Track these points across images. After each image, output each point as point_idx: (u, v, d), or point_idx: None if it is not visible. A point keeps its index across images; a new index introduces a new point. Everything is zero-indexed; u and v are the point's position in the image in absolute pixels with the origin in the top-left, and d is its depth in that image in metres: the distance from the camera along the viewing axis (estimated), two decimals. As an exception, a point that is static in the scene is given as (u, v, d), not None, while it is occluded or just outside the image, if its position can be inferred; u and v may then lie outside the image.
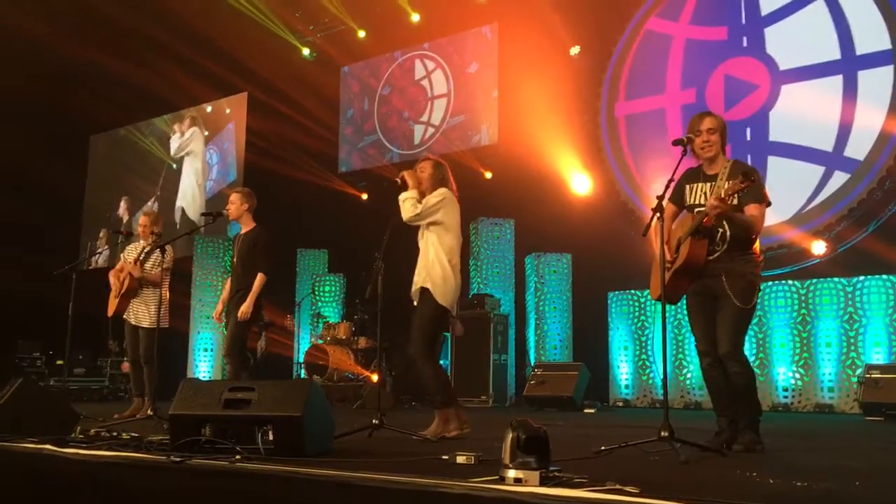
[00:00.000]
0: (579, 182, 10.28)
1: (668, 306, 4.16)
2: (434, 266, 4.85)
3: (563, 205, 10.09)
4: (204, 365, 11.53)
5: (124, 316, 7.11)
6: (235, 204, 6.46)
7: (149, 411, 6.36)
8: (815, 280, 8.23)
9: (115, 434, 4.33)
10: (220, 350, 11.19)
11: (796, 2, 9.07)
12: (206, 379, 10.93)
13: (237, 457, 3.29)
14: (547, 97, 10.17)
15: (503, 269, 10.27)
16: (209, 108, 14.45)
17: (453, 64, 11.89)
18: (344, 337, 9.93)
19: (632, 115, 10.22)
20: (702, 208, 4.07)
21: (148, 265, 7.06)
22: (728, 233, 4.06)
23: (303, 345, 11.20)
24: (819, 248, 8.61)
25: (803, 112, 8.80)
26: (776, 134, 9.03)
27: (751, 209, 4.06)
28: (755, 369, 7.82)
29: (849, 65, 8.65)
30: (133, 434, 4.27)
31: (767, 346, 8.34)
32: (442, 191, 4.94)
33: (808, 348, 8.13)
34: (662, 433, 3.69)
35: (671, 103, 9.83)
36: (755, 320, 8.21)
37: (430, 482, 2.66)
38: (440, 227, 4.90)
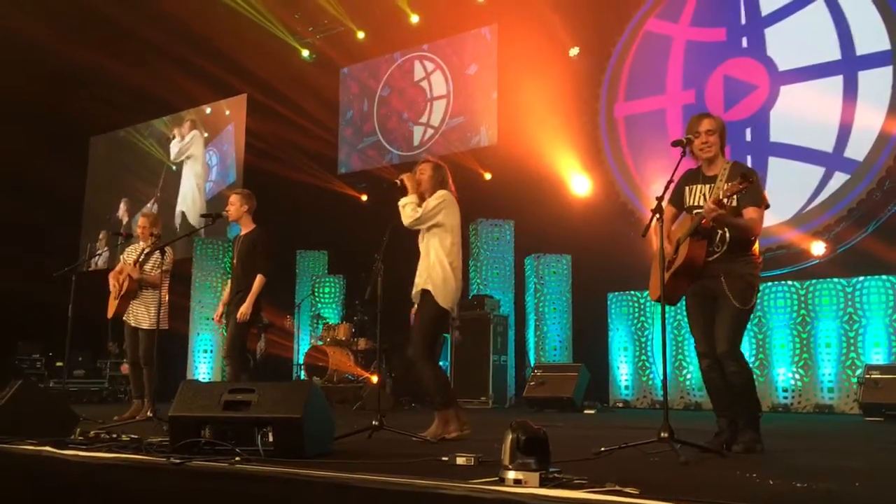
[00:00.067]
0: (579, 183, 10.28)
1: (667, 307, 4.16)
2: (435, 268, 4.86)
3: (563, 206, 10.10)
4: (203, 366, 11.53)
5: (124, 318, 7.11)
6: (235, 205, 6.46)
7: (148, 413, 6.36)
8: (814, 280, 8.23)
9: (114, 436, 4.32)
10: (219, 352, 11.19)
11: (796, 2, 9.08)
12: (206, 380, 10.93)
13: (237, 458, 3.29)
14: (546, 98, 10.17)
15: (503, 270, 10.28)
16: (208, 110, 14.46)
17: (452, 65, 11.90)
18: (344, 338, 9.93)
19: (631, 115, 10.22)
20: (701, 210, 4.07)
21: (147, 267, 7.06)
22: (728, 234, 4.07)
23: (302, 346, 11.20)
24: (818, 248, 8.61)
25: (803, 113, 8.80)
26: (776, 135, 9.03)
27: (749, 212, 4.06)
28: (755, 370, 7.87)
29: (849, 65, 8.65)
30: (133, 436, 4.26)
31: (767, 346, 8.34)
32: (441, 193, 4.95)
33: (808, 349, 8.14)
34: (662, 434, 3.68)
35: (672, 104, 9.83)
36: (755, 321, 8.24)
37: (430, 484, 2.66)
38: (441, 228, 4.91)
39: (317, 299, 11.47)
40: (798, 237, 8.71)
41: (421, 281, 4.91)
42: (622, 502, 2.41)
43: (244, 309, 6.16)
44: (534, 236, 10.09)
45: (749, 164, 8.80)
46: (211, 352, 11.54)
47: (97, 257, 13.46)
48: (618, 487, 2.53)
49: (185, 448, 3.55)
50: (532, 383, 8.68)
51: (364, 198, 12.40)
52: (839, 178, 8.58)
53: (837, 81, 8.70)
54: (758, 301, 4.23)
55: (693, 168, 4.36)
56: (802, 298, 8.24)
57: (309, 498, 2.92)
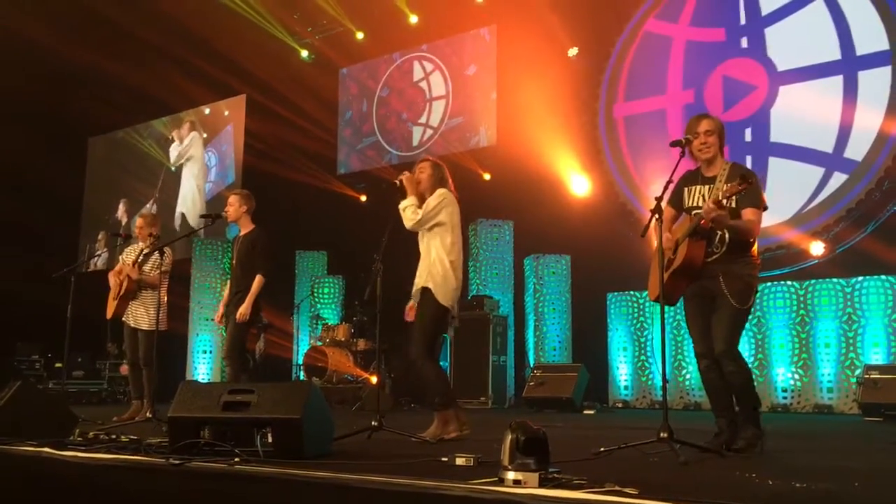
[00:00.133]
0: (578, 183, 10.29)
1: (667, 307, 4.16)
2: (435, 265, 4.86)
3: (562, 206, 10.10)
4: (203, 367, 11.53)
5: (123, 318, 7.11)
6: (234, 206, 6.46)
7: (148, 414, 6.36)
8: (813, 281, 8.24)
9: (113, 437, 4.32)
10: (219, 352, 11.19)
11: (795, 2, 9.08)
12: (205, 381, 10.93)
13: (236, 459, 3.29)
14: (545, 98, 10.18)
15: (502, 270, 10.28)
16: (207, 111, 14.46)
17: (452, 65, 11.90)
18: (343, 339, 9.92)
19: (631, 115, 10.23)
20: (700, 210, 4.07)
21: (146, 268, 7.06)
22: (727, 235, 4.07)
23: (302, 347, 11.20)
24: (818, 248, 8.61)
25: (803, 113, 8.80)
26: (776, 135, 9.03)
27: (747, 213, 4.07)
28: (754, 370, 7.87)
29: (849, 65, 8.65)
30: (132, 437, 4.26)
31: (766, 346, 8.34)
32: (441, 192, 4.96)
33: (807, 349, 8.14)
34: (662, 434, 3.69)
35: (672, 104, 9.83)
36: (754, 321, 8.24)
37: (430, 484, 2.66)
38: (442, 227, 4.93)
39: (316, 300, 11.47)
40: (797, 237, 8.71)
41: (421, 279, 4.91)
42: (621, 502, 2.41)
43: (243, 309, 6.15)
44: (533, 236, 10.09)
45: (749, 164, 8.82)
46: (210, 352, 11.53)
47: (96, 258, 13.46)
48: (617, 488, 2.53)
49: (185, 449, 3.55)
50: (531, 383, 8.68)
51: (363, 198, 12.40)
52: (838, 179, 8.58)
53: (837, 81, 8.70)
54: (757, 301, 4.24)
55: (692, 169, 4.36)
56: (802, 298, 8.24)
57: (308, 499, 2.92)
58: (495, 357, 9.39)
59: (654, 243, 4.06)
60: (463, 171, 10.18)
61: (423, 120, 12.14)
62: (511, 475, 2.67)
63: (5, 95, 12.81)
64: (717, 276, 4.08)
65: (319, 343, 10.04)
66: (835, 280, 8.11)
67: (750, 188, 3.89)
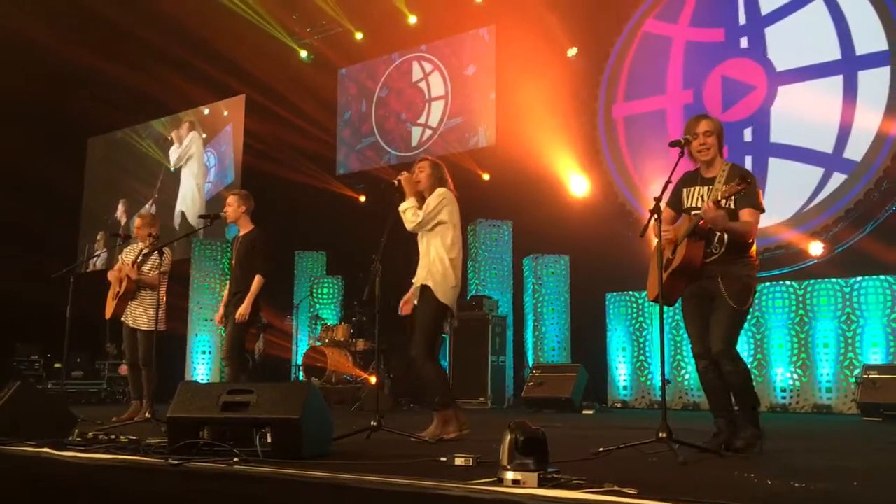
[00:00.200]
0: (577, 183, 10.29)
1: (666, 307, 4.16)
2: (435, 264, 4.87)
3: (561, 206, 10.10)
4: (202, 367, 11.52)
5: (122, 318, 7.11)
6: (233, 206, 6.46)
7: (147, 414, 6.36)
8: (812, 281, 8.24)
9: (113, 437, 4.32)
10: (218, 353, 11.18)
11: (795, 2, 9.08)
12: (204, 381, 10.93)
13: (235, 459, 3.29)
14: (544, 99, 10.18)
15: (501, 270, 10.28)
16: (207, 111, 14.45)
17: (451, 66, 11.90)
18: (342, 339, 9.93)
19: (630, 115, 10.23)
20: (699, 211, 4.08)
21: (146, 268, 7.06)
22: (726, 236, 4.08)
23: (301, 347, 11.19)
24: (816, 248, 8.62)
25: (802, 113, 8.80)
26: (776, 135, 9.03)
27: (745, 214, 4.07)
28: (753, 370, 7.87)
29: (849, 65, 8.65)
30: (131, 437, 4.26)
31: (765, 346, 8.34)
32: (441, 191, 4.96)
33: (806, 349, 8.14)
34: (660, 434, 3.69)
35: (672, 104, 9.83)
36: (753, 321, 8.24)
37: (428, 484, 2.67)
38: (442, 226, 4.94)
39: (315, 300, 11.47)
40: (796, 237, 8.71)
41: (420, 278, 4.91)
42: (620, 502, 2.41)
43: (243, 310, 6.15)
44: (532, 237, 10.09)
45: (749, 164, 8.84)
46: (209, 353, 11.53)
47: (95, 258, 13.46)
48: (616, 488, 2.53)
49: (184, 449, 3.55)
50: (530, 384, 8.68)
51: (362, 198, 12.40)
52: (838, 179, 8.58)
53: (837, 81, 8.70)
54: (756, 301, 4.24)
55: (691, 170, 4.37)
56: (800, 298, 8.24)
57: (307, 499, 2.92)
58: (494, 357, 9.40)
59: (654, 243, 4.06)
60: (462, 172, 10.18)
61: (422, 120, 12.14)
62: (510, 475, 2.68)
63: (5, 95, 12.81)
64: (716, 276, 4.09)
65: (318, 343, 10.04)
66: (834, 280, 8.11)
67: (749, 188, 3.90)
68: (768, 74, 9.14)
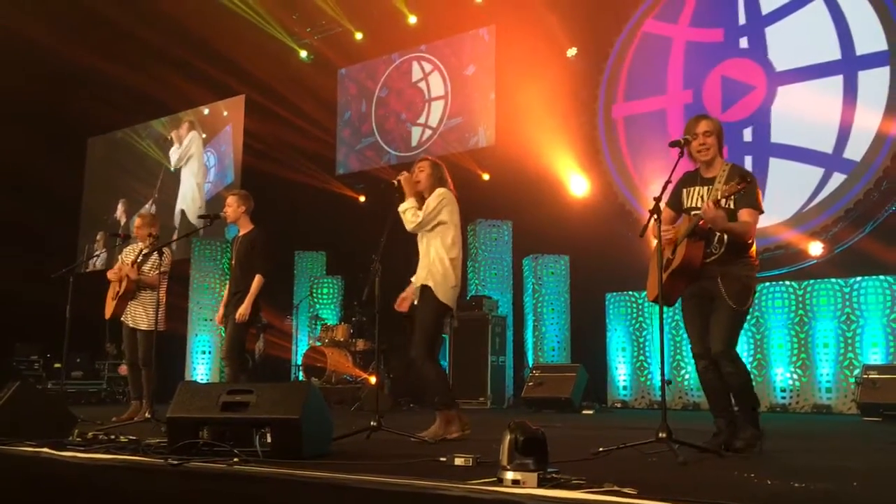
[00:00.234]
0: (577, 183, 10.29)
1: (666, 307, 4.16)
2: (435, 264, 4.87)
3: (561, 206, 10.10)
4: (202, 367, 11.52)
5: (122, 318, 7.11)
6: (232, 206, 6.46)
7: (146, 414, 6.36)
8: (812, 281, 8.24)
9: (112, 437, 4.32)
10: (218, 353, 11.18)
11: (795, 2, 9.07)
12: (204, 382, 10.93)
13: (235, 459, 3.29)
14: (544, 99, 10.18)
15: (501, 270, 10.28)
16: (206, 111, 14.45)
17: (451, 66, 11.90)
18: (342, 339, 9.93)
19: (630, 116, 10.23)
20: (699, 211, 4.08)
21: (146, 268, 7.06)
22: (725, 236, 4.08)
23: (301, 347, 11.19)
24: (816, 248, 8.62)
25: (802, 113, 8.80)
26: (776, 135, 9.03)
27: (744, 214, 4.07)
28: (752, 370, 7.87)
29: (849, 65, 8.64)
30: (131, 437, 4.26)
31: (765, 346, 8.34)
32: (441, 191, 4.96)
33: (806, 349, 8.14)
34: (660, 434, 3.69)
35: (672, 104, 9.83)
36: (752, 321, 8.24)
37: (428, 484, 2.67)
38: (443, 226, 4.94)
39: (315, 300, 11.46)
40: (796, 237, 8.71)
41: (420, 277, 4.91)
42: (620, 502, 2.41)
43: (242, 310, 6.15)
44: (532, 237, 10.09)
45: (749, 164, 8.83)
46: (209, 353, 11.53)
47: (95, 258, 13.45)
48: (616, 488, 2.53)
49: (184, 449, 3.55)
50: (530, 384, 8.68)
51: (362, 199, 12.40)
52: (837, 179, 8.58)
53: (837, 81, 8.70)
54: (756, 301, 4.25)
55: (691, 170, 4.37)
56: (800, 298, 8.24)
57: (307, 499, 2.92)
58: (494, 357, 9.40)
59: (653, 243, 4.06)
60: (462, 172, 10.18)
61: (421, 120, 12.14)
62: (510, 475, 2.68)
63: (5, 95, 12.80)
64: (716, 276, 4.09)
65: (318, 343, 10.04)
66: (833, 280, 8.11)
67: (748, 188, 3.90)
68: (768, 74, 9.14)
